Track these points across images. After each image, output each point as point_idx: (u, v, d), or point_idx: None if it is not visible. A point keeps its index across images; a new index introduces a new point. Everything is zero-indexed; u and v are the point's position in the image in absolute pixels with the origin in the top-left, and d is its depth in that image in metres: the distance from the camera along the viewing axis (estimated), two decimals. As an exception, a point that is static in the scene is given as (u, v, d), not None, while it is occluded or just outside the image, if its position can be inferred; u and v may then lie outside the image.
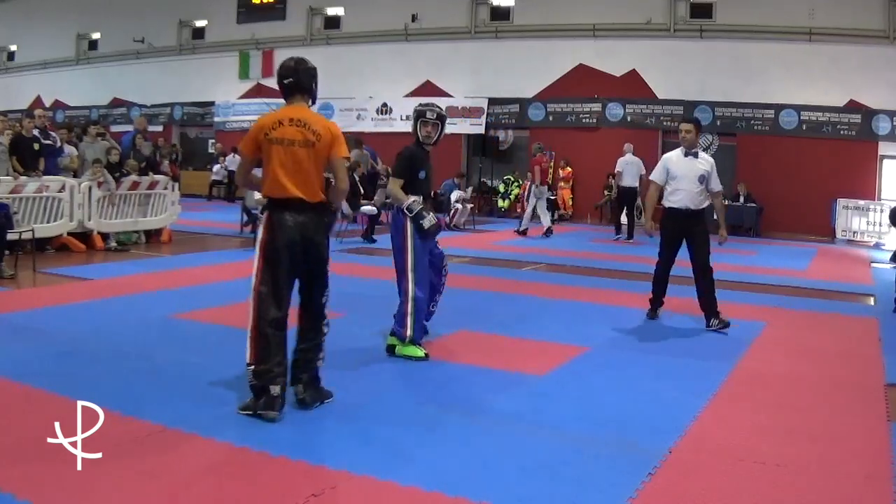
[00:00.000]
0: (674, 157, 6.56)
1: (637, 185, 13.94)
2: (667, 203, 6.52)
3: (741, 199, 16.68)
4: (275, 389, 3.77)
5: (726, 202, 16.57)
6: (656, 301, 6.81)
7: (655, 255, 6.78)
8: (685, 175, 6.39)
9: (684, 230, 6.42)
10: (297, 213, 3.87)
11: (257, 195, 10.72)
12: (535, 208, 14.11)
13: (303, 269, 3.98)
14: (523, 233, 14.02)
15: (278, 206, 3.89)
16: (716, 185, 6.53)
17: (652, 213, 6.80)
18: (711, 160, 6.64)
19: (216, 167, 21.02)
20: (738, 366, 5.25)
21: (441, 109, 5.34)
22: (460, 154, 19.80)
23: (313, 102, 4.09)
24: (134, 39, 24.00)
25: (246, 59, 22.73)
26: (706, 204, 6.52)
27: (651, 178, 6.76)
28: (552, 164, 18.27)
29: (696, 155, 6.50)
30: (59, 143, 10.81)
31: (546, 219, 14.15)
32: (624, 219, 14.64)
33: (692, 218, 6.40)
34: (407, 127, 21.97)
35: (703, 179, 6.42)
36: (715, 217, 6.76)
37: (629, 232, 14.19)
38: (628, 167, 14.09)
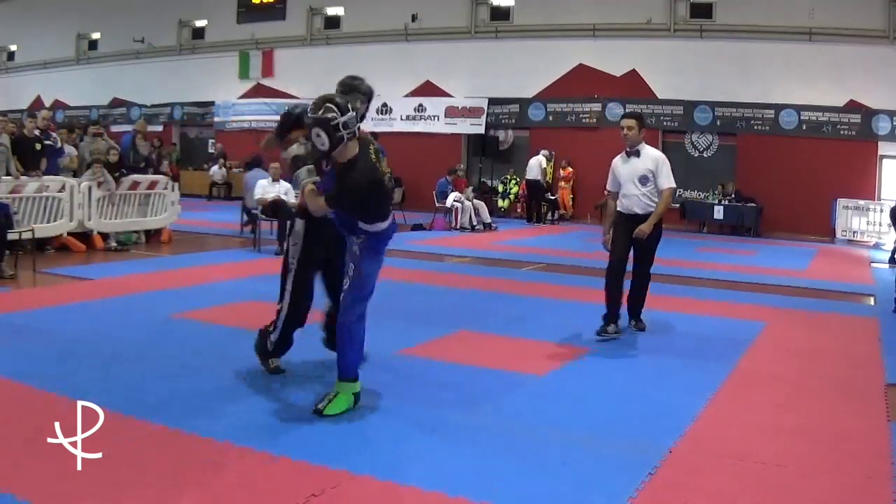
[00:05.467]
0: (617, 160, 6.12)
1: (538, 178, 17.24)
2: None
3: (732, 198, 16.74)
4: None
5: (725, 201, 16.77)
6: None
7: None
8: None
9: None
10: None
11: (257, 195, 10.74)
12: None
13: None
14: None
15: None
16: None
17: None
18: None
19: (213, 168, 20.98)
20: (738, 366, 5.25)
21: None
22: (460, 154, 19.82)
23: None
24: (134, 39, 24.01)
25: (246, 59, 22.73)
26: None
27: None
28: (552, 164, 18.36)
29: (637, 154, 5.96)
30: (59, 144, 10.82)
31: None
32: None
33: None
34: (407, 127, 22.00)
35: (646, 179, 5.88)
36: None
37: (539, 218, 17.37)
38: (534, 166, 17.21)
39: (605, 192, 6.46)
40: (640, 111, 6.33)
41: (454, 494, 2.97)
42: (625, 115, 6.18)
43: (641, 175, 5.86)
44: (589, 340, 5.81)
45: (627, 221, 5.96)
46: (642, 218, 5.84)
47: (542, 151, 17.75)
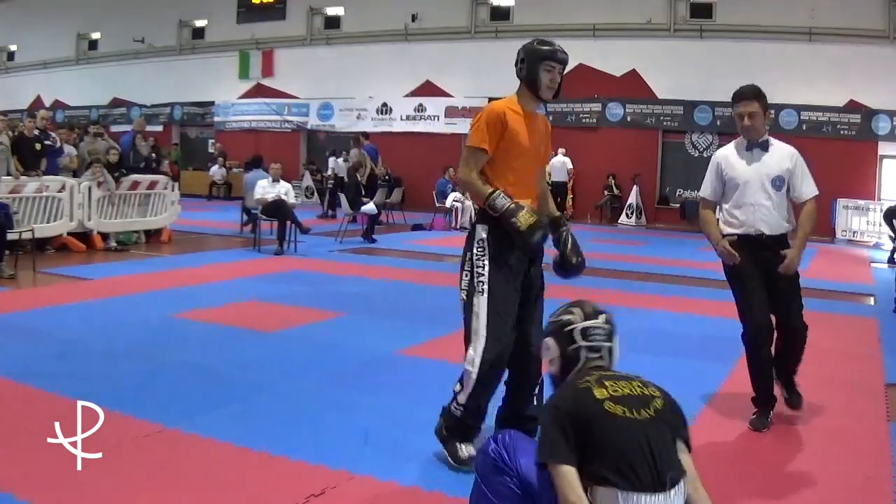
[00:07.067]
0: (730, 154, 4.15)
1: (565, 179, 17.70)
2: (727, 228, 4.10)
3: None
4: None
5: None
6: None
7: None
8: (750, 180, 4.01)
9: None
10: None
11: (258, 195, 10.72)
12: None
13: None
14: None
15: None
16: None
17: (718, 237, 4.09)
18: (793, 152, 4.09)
19: (213, 168, 20.96)
20: (738, 366, 5.23)
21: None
22: (460, 154, 19.81)
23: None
24: (134, 39, 24.01)
25: (246, 59, 22.74)
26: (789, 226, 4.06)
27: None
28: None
29: (765, 147, 4.04)
30: (58, 144, 10.82)
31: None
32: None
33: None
34: (407, 127, 21.87)
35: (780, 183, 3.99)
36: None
37: None
38: (556, 166, 17.40)
39: (698, 201, 4.36)
40: (759, 88, 4.00)
41: (454, 495, 2.97)
42: (742, 98, 3.99)
43: (776, 175, 3.96)
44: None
45: (753, 250, 3.96)
46: (771, 241, 3.96)
47: (560, 150, 17.57)
